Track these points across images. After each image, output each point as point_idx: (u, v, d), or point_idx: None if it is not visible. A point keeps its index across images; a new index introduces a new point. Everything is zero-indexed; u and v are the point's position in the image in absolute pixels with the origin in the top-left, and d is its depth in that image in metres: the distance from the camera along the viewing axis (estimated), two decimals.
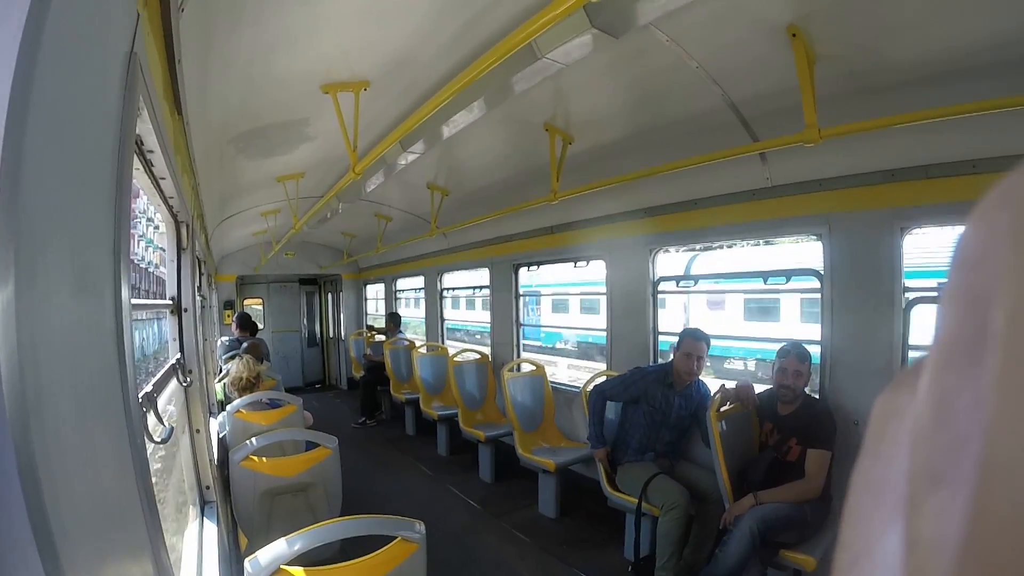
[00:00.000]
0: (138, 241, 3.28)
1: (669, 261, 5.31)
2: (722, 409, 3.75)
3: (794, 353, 3.69)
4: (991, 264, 0.20)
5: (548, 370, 6.58)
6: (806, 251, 4.95)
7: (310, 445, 3.58)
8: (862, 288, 3.59)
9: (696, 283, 5.25)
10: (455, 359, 7.27)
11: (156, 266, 3.56)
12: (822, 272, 3.84)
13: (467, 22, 3.05)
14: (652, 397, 4.33)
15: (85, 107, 0.99)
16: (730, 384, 3.96)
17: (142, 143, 1.84)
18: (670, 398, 4.34)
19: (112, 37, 1.15)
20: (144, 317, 3.19)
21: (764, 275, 4.51)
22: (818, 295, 3.90)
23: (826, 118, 2.88)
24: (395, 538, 2.09)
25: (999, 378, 0.18)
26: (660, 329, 5.23)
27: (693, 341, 4.30)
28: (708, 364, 4.38)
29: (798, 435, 3.54)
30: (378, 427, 9.57)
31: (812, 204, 3.82)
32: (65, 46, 0.81)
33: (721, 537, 3.52)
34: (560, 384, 6.59)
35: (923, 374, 0.22)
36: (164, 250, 3.18)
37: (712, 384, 4.40)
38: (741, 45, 3.11)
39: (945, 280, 0.22)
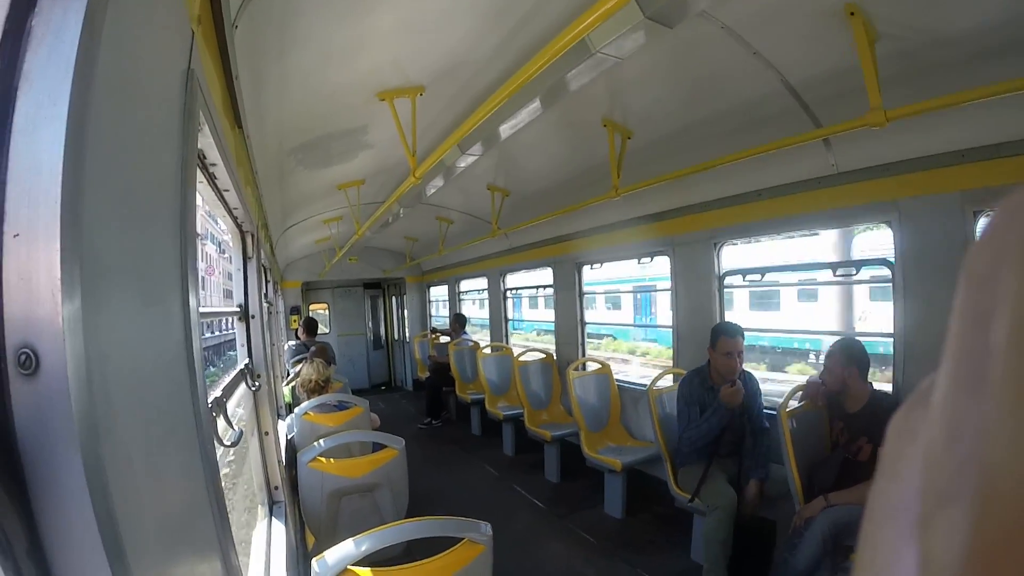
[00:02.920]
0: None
1: (733, 254, 5.19)
2: (791, 407, 3.62)
3: (841, 354, 3.55)
4: (997, 282, 0.20)
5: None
6: (860, 240, 4.76)
7: (377, 446, 3.62)
8: (935, 276, 3.42)
9: (763, 277, 5.12)
10: (520, 359, 7.29)
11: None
12: (892, 261, 3.68)
13: (517, 22, 3.05)
14: (701, 403, 4.20)
15: (146, 124, 1.02)
16: (814, 379, 3.83)
17: (204, 157, 1.90)
18: (715, 400, 4.15)
19: (168, 55, 1.19)
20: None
21: (833, 266, 4.36)
22: (888, 284, 3.74)
23: (890, 99, 2.76)
24: (462, 539, 2.10)
25: (999, 393, 0.18)
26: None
27: (728, 339, 4.13)
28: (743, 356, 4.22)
29: (868, 433, 3.40)
30: (444, 427, 9.67)
31: (879, 190, 3.67)
32: (121, 65, 0.84)
33: (793, 539, 3.41)
34: (626, 382, 6.52)
35: (935, 393, 0.22)
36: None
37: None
38: (798, 27, 3.03)
39: (955, 298, 0.22)
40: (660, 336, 18.16)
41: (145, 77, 1.00)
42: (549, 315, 8.10)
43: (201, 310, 1.37)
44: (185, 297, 1.21)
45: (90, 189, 0.68)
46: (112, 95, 0.79)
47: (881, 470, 0.26)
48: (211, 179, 2.12)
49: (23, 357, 0.59)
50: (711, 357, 4.26)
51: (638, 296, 17.59)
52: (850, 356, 3.52)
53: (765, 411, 4.32)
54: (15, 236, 0.59)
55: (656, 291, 13.22)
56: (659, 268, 5.98)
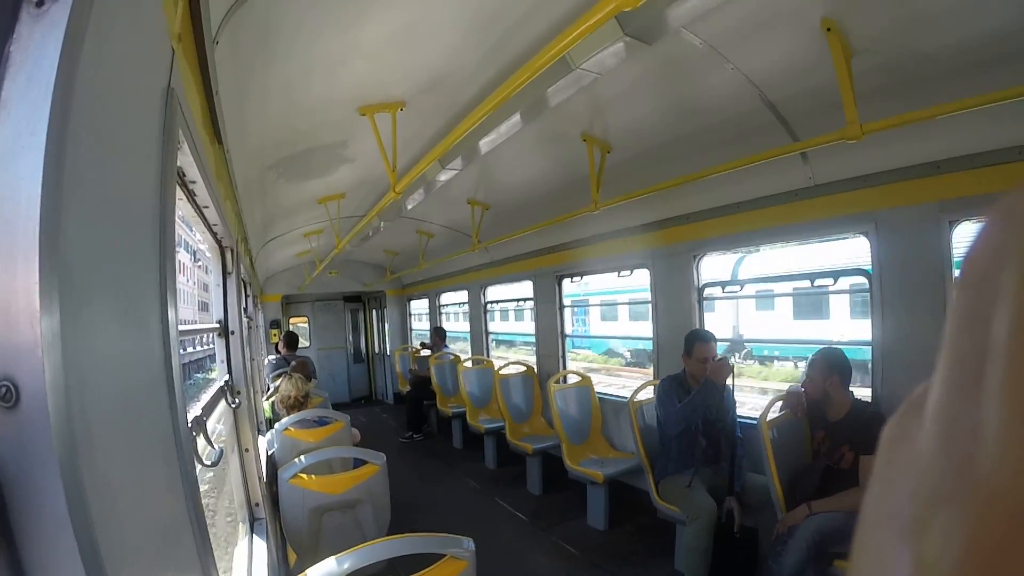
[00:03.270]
0: None
1: (715, 265, 5.24)
2: (771, 417, 3.65)
3: (822, 363, 3.60)
4: (993, 283, 0.20)
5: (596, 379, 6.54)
6: (839, 250, 4.82)
7: (358, 462, 3.61)
8: (913, 285, 3.47)
9: (742, 288, 5.15)
10: (501, 372, 7.28)
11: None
12: (870, 270, 3.73)
13: (499, 38, 3.07)
14: (681, 399, 4.23)
15: (126, 144, 1.02)
16: (795, 388, 3.86)
17: (184, 174, 1.89)
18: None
19: (148, 73, 1.19)
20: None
21: (811, 276, 4.41)
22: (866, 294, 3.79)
23: (867, 113, 2.81)
24: (445, 555, 2.09)
25: (997, 394, 0.18)
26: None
27: (703, 344, 4.24)
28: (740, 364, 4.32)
29: (851, 442, 3.43)
30: (425, 441, 9.63)
31: (857, 202, 3.72)
32: (100, 87, 0.84)
33: (776, 547, 3.43)
34: (607, 394, 6.53)
35: (929, 396, 0.22)
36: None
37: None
38: (776, 43, 3.07)
39: (951, 301, 0.22)
40: (593, 344, 19.28)
41: (125, 97, 1.00)
42: (529, 327, 8.11)
43: (180, 328, 1.37)
44: (164, 316, 1.20)
45: (68, 216, 0.68)
46: (91, 118, 0.79)
47: (875, 476, 0.26)
48: (190, 196, 2.11)
49: (3, 390, 0.59)
50: (686, 364, 4.34)
51: (617, 308, 17.70)
52: (831, 365, 3.56)
53: (745, 420, 4.36)
54: None
55: (631, 304, 13.37)
56: (635, 280, 6.01)
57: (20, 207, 0.60)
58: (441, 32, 3.03)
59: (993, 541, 0.17)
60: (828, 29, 2.79)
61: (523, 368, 7.57)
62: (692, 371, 4.27)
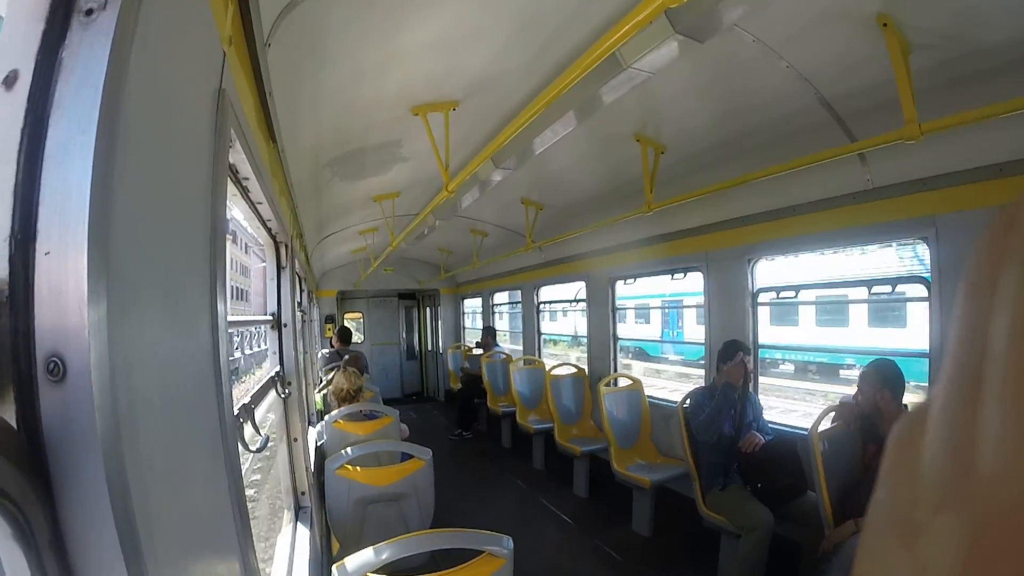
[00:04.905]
0: None
1: (772, 268, 5.14)
2: (822, 429, 3.54)
3: (874, 376, 3.48)
4: (993, 290, 0.20)
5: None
6: (865, 259, 4.67)
7: (405, 456, 3.66)
8: None
9: (797, 294, 5.04)
10: (552, 373, 7.27)
11: None
12: (929, 278, 3.59)
13: (549, 37, 3.08)
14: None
15: (176, 142, 1.07)
16: (847, 399, 3.75)
17: (237, 171, 1.95)
18: (731, 409, 4.29)
19: (199, 76, 1.24)
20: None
21: (869, 283, 4.29)
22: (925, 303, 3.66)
23: (926, 111, 2.72)
24: (483, 551, 2.11)
25: (996, 397, 0.19)
26: (760, 341, 5.05)
27: (736, 354, 4.33)
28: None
29: None
30: (474, 439, 9.69)
31: (916, 205, 3.59)
32: (150, 88, 0.89)
33: (820, 565, 3.33)
34: (658, 399, 6.46)
35: (934, 400, 0.22)
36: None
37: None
38: (830, 39, 3.00)
39: (955, 308, 0.22)
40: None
41: (175, 98, 1.05)
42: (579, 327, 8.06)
43: (233, 319, 1.42)
44: (213, 308, 1.25)
45: (118, 209, 0.73)
46: (141, 117, 0.84)
47: (880, 479, 0.26)
48: (244, 192, 2.18)
49: (52, 365, 0.63)
50: (721, 372, 4.37)
51: (666, 311, 17.49)
52: (884, 378, 3.43)
53: (796, 431, 4.30)
54: (46, 254, 0.64)
55: (682, 307, 13.17)
56: (688, 283, 5.94)
57: (72, 201, 0.65)
58: (491, 32, 3.05)
59: (991, 544, 0.17)
60: (884, 24, 2.71)
61: (574, 370, 7.53)
62: (730, 381, 4.28)
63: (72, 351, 0.64)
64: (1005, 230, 0.21)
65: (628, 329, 17.37)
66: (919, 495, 0.22)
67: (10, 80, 0.68)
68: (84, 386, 0.64)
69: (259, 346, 23.45)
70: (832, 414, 3.69)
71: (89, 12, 0.71)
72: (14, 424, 0.63)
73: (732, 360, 4.31)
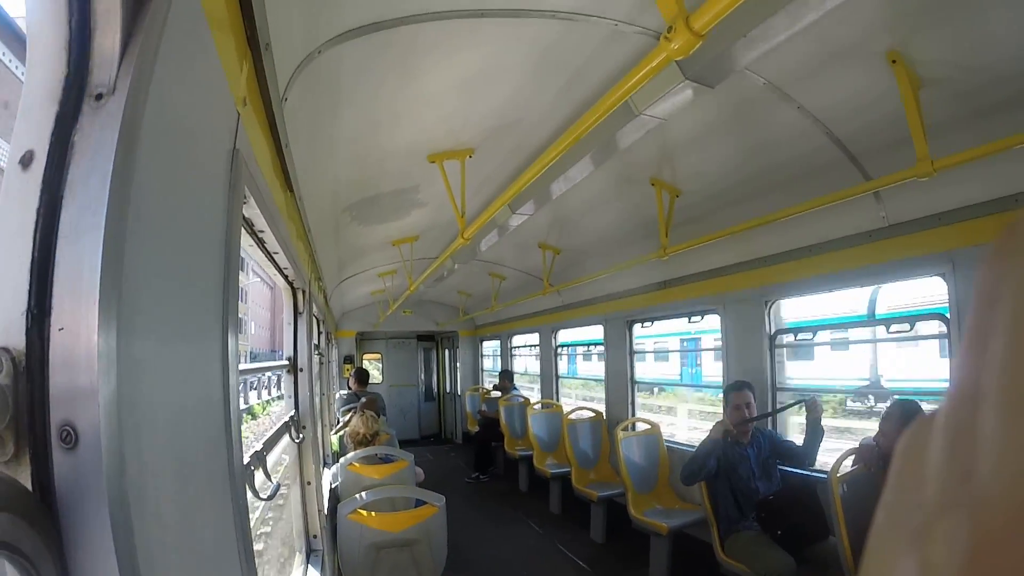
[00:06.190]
0: None
1: (786, 306, 5.12)
2: (843, 471, 3.47)
3: (898, 416, 3.41)
4: (995, 306, 0.21)
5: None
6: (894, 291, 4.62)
7: (419, 501, 3.64)
8: None
9: (815, 335, 4.99)
10: (569, 417, 7.21)
11: None
12: (945, 310, 3.55)
13: (564, 85, 3.14)
14: (727, 460, 4.23)
15: (189, 206, 1.12)
16: (868, 441, 3.67)
17: (252, 224, 2.00)
18: (742, 452, 4.27)
19: (213, 138, 1.29)
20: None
21: (887, 321, 4.25)
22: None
23: (939, 145, 2.73)
24: None
25: (995, 405, 0.20)
26: (779, 384, 4.99)
27: (737, 392, 4.39)
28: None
29: None
30: (491, 482, 9.61)
31: (933, 241, 3.56)
32: (163, 157, 0.94)
33: None
34: (676, 443, 6.38)
35: (940, 408, 0.23)
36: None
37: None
38: (841, 78, 3.02)
39: (967, 320, 0.23)
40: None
41: (188, 163, 1.10)
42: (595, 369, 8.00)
43: (249, 365, 1.45)
44: (224, 360, 1.29)
45: (129, 282, 0.77)
46: (153, 190, 0.88)
47: (887, 485, 0.26)
48: (260, 243, 2.22)
49: (65, 433, 0.67)
50: (726, 413, 4.39)
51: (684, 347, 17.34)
52: (907, 419, 3.37)
53: (815, 473, 4.25)
54: (60, 330, 0.68)
55: (700, 350, 13.02)
56: (706, 322, 5.92)
57: (83, 279, 0.69)
58: (506, 80, 3.12)
59: (992, 547, 0.18)
60: (893, 61, 2.74)
61: (592, 414, 7.48)
62: (730, 419, 4.30)
63: (84, 421, 0.67)
64: (1012, 248, 0.22)
65: (647, 367, 17.21)
66: (924, 500, 0.22)
67: (26, 160, 0.72)
68: (95, 453, 0.67)
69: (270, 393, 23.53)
70: (852, 456, 3.63)
71: (99, 97, 0.75)
72: (29, 486, 0.66)
73: (727, 404, 4.38)
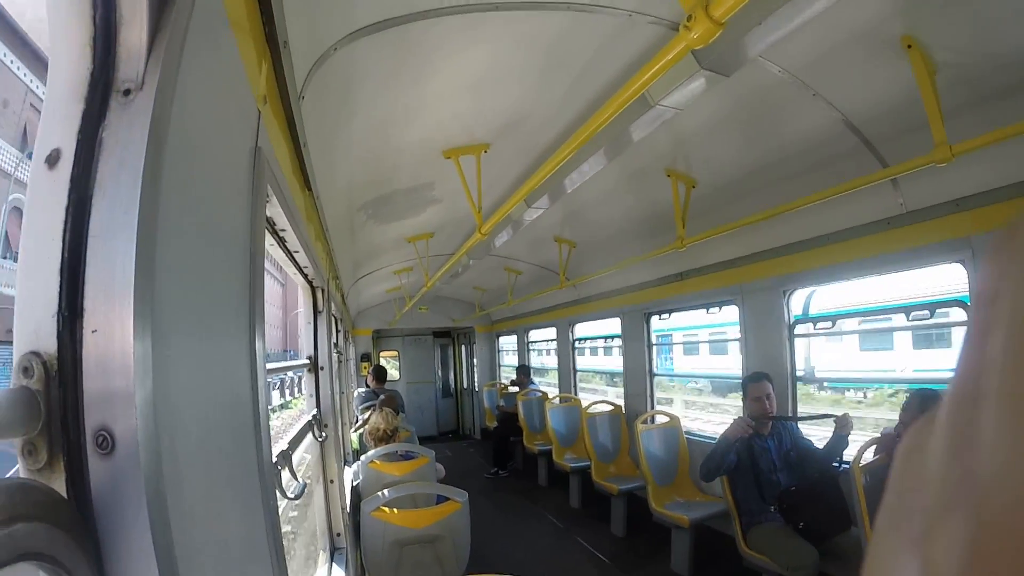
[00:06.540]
0: None
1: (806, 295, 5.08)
2: (865, 461, 3.44)
3: (918, 405, 3.39)
4: (996, 305, 0.21)
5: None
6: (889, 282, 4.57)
7: (441, 497, 3.64)
8: None
9: (834, 324, 4.95)
10: (588, 411, 7.20)
11: None
12: (966, 298, 3.52)
13: (576, 78, 3.13)
14: (748, 453, 4.20)
15: (215, 205, 1.11)
16: (889, 431, 3.67)
17: (274, 224, 2.00)
18: (763, 443, 4.24)
19: (236, 137, 1.28)
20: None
21: (907, 309, 4.21)
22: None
23: (956, 130, 2.70)
24: None
25: (994, 406, 0.19)
26: (808, 370, 4.96)
27: (756, 384, 4.38)
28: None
29: None
30: (510, 477, 9.61)
31: (951, 227, 3.52)
32: (189, 157, 0.93)
33: None
34: (696, 434, 6.37)
35: (941, 408, 0.23)
36: None
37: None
38: (856, 65, 2.99)
39: (967, 319, 0.23)
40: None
41: (214, 161, 1.09)
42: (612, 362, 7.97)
43: (269, 366, 1.45)
44: (252, 361, 1.28)
45: (161, 282, 0.75)
46: (181, 187, 0.87)
47: (889, 486, 0.26)
48: (281, 242, 2.23)
49: (101, 439, 0.66)
50: (745, 406, 4.40)
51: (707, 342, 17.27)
52: (927, 407, 3.33)
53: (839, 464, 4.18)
54: (93, 332, 0.67)
55: (721, 340, 12.96)
56: (725, 313, 5.89)
57: (116, 279, 0.68)
58: (519, 75, 3.11)
59: (993, 547, 0.18)
60: (908, 46, 2.70)
61: (610, 407, 7.46)
62: (752, 413, 4.27)
63: (120, 425, 0.66)
64: (1011, 245, 0.21)
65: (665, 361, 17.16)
66: (925, 499, 0.22)
67: (52, 159, 0.70)
68: (132, 458, 0.66)
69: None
70: (874, 447, 3.60)
71: (127, 92, 0.74)
72: (64, 494, 0.65)
73: (746, 396, 4.38)
